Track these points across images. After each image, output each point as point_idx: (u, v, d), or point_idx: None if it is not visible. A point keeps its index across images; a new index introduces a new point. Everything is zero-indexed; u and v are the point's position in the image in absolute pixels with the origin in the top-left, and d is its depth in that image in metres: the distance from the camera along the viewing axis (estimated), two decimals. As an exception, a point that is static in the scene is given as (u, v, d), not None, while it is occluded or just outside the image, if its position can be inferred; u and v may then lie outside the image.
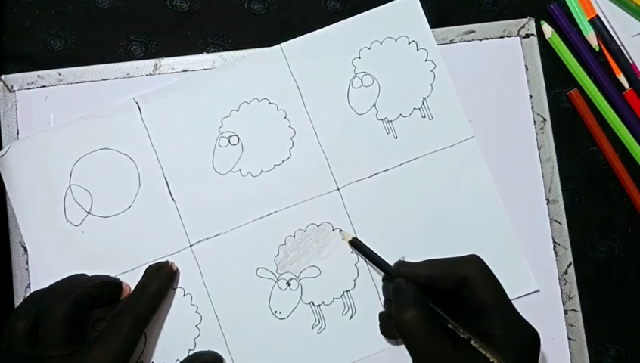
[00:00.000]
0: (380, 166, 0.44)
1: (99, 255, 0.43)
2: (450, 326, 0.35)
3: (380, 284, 0.43)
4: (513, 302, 0.36)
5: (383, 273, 0.42)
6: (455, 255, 0.36)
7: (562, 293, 0.44)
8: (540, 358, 0.40)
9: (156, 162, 0.44)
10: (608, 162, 0.46)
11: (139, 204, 0.43)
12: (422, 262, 0.38)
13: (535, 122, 0.46)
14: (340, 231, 0.43)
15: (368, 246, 0.42)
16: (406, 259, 0.42)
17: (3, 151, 0.44)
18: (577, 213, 0.45)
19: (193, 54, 0.46)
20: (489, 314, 0.34)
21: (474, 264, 0.36)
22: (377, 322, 0.43)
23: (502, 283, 0.36)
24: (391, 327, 0.41)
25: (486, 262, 0.36)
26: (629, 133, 0.46)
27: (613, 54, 0.47)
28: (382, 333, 0.42)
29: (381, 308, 0.43)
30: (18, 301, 0.43)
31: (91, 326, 0.42)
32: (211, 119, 0.44)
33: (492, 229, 0.44)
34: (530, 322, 0.36)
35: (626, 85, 0.46)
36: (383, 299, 0.43)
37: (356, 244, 0.42)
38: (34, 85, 0.45)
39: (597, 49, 0.47)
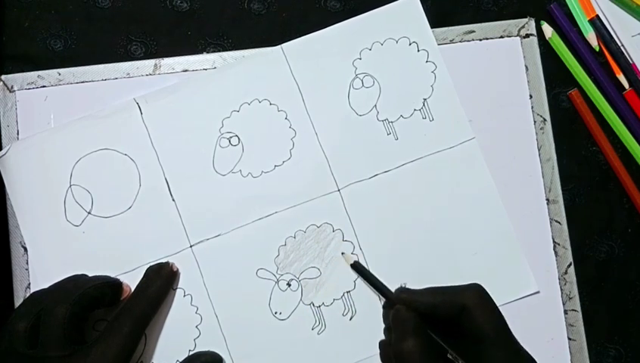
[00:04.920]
0: (381, 167, 0.44)
1: (99, 255, 0.43)
2: (450, 356, 0.34)
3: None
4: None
5: (383, 299, 0.41)
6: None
7: (562, 293, 0.44)
8: (540, 358, 0.40)
9: (156, 163, 0.44)
10: (608, 162, 0.46)
11: (139, 205, 0.43)
12: (423, 289, 0.37)
13: (535, 122, 0.46)
14: (342, 253, 0.43)
15: (370, 270, 0.42)
16: (408, 286, 0.42)
17: (3, 151, 0.44)
18: (577, 213, 0.46)
19: (193, 54, 0.46)
20: (489, 344, 0.34)
21: (475, 293, 0.35)
22: (377, 323, 0.42)
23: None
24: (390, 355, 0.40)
25: (486, 290, 0.35)
26: (629, 133, 0.46)
27: (613, 54, 0.47)
28: (382, 361, 0.40)
29: (380, 308, 0.43)
30: (18, 301, 0.43)
31: (91, 326, 0.42)
32: (211, 120, 0.44)
33: (492, 229, 0.44)
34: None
35: (626, 85, 0.47)
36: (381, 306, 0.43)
37: (358, 268, 0.42)
38: (34, 85, 0.45)
39: (597, 49, 0.47)
